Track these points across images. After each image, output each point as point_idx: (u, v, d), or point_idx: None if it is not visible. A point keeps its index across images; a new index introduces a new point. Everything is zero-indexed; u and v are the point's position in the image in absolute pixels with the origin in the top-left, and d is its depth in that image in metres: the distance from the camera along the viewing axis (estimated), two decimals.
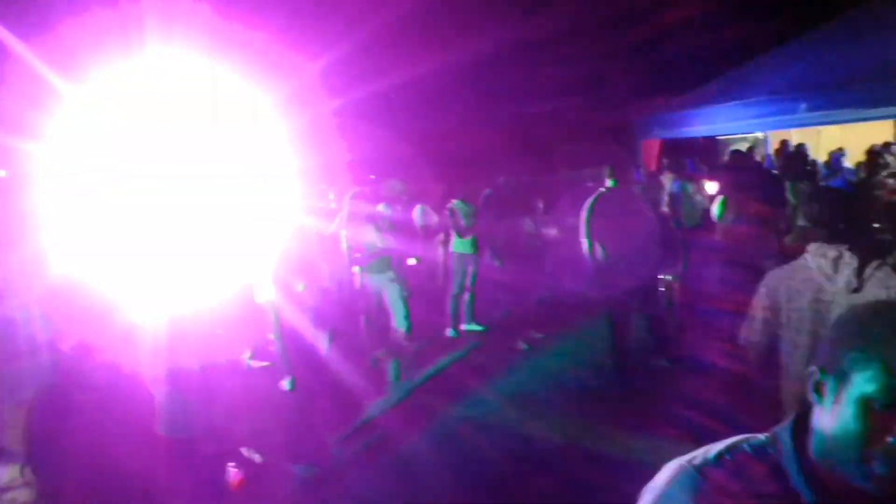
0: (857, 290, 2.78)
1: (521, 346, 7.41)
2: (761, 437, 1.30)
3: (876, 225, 4.61)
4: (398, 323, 6.68)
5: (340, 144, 10.06)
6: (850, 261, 2.81)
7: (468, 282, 7.99)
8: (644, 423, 5.01)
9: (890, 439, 1.11)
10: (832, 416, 1.18)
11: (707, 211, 7.60)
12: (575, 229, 6.60)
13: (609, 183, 6.42)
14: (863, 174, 8.85)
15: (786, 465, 1.24)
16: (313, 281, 5.35)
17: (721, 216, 6.36)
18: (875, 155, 9.03)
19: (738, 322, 3.35)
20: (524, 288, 8.02)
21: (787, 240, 6.88)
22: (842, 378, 1.17)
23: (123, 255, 4.44)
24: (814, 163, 10.51)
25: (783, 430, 1.29)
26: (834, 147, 11.50)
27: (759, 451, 1.27)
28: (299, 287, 5.20)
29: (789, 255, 3.22)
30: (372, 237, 6.65)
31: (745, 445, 1.29)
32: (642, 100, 11.74)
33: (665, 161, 10.26)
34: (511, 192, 8.58)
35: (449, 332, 7.98)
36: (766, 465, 1.25)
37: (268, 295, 5.44)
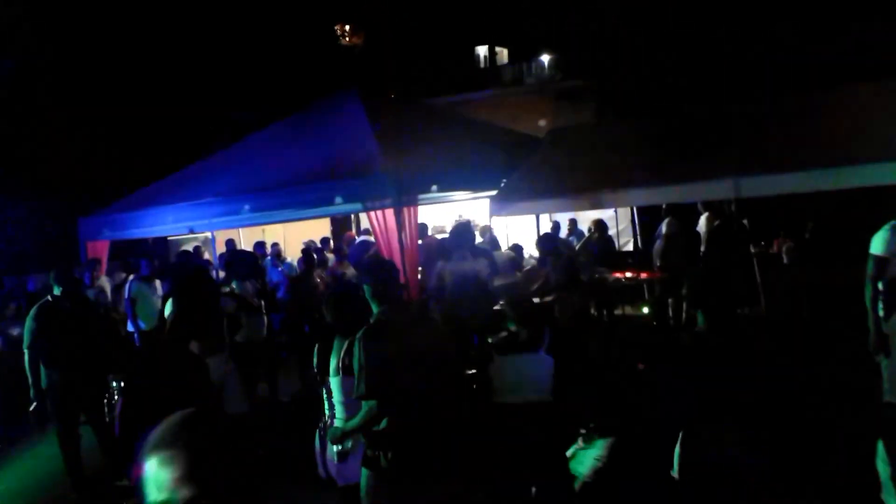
0: None
1: None
2: None
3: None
4: None
5: None
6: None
7: None
8: None
9: None
10: None
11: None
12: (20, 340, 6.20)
13: (54, 289, 6.24)
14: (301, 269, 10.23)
15: None
16: None
17: (170, 313, 6.71)
18: (306, 252, 10.60)
19: None
20: None
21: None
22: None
23: None
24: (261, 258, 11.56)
25: None
26: (278, 240, 12.94)
27: None
28: None
29: None
30: None
31: None
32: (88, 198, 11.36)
33: (117, 262, 10.14)
34: None
35: None
36: None
37: None
